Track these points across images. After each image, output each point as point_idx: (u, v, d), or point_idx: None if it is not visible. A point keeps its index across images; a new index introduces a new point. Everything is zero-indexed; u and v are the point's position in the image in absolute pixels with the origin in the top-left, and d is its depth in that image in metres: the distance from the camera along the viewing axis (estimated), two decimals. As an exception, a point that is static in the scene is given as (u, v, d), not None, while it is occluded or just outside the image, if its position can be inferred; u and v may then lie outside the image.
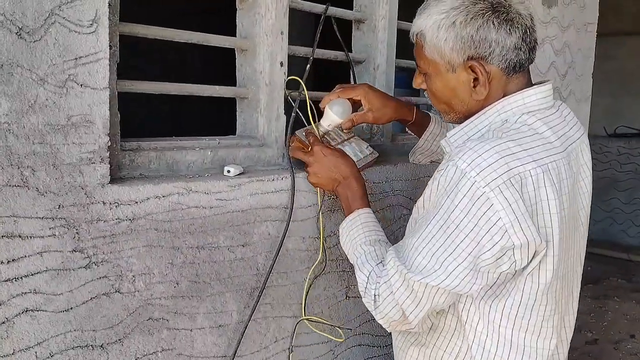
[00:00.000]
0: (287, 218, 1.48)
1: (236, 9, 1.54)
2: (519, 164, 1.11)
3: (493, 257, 1.11)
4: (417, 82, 1.35)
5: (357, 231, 1.41)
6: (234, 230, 1.39)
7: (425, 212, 1.23)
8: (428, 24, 1.21)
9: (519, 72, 1.23)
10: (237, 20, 1.53)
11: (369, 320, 1.81)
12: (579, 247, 1.31)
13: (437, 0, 1.22)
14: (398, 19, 1.89)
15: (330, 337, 1.63)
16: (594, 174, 1.35)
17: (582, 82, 2.99)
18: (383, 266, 1.27)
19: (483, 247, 1.11)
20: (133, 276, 1.22)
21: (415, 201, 1.34)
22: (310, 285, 1.59)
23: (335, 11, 1.72)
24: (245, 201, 1.41)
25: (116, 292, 1.20)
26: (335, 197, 1.59)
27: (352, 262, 1.42)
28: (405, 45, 2.01)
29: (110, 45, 1.13)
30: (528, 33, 1.20)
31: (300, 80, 1.53)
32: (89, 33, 1.09)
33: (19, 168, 1.04)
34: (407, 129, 1.75)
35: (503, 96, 1.23)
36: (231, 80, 1.58)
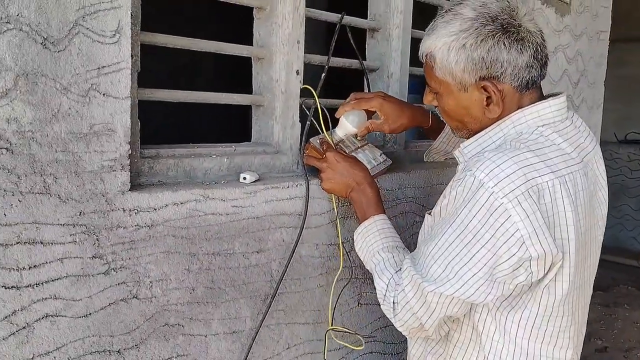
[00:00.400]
0: (301, 225, 1.49)
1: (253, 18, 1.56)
2: (536, 175, 1.12)
3: (510, 267, 1.12)
4: (428, 99, 1.35)
5: (373, 237, 1.43)
6: (249, 237, 1.41)
7: (441, 220, 1.23)
8: (437, 45, 1.21)
9: (531, 89, 1.23)
10: (254, 30, 1.55)
11: (381, 328, 1.82)
12: (595, 257, 1.32)
13: (445, 22, 1.21)
14: (412, 28, 1.90)
15: (350, 346, 1.64)
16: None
17: (594, 90, 2.99)
18: (401, 274, 1.28)
19: (500, 257, 1.12)
20: (150, 282, 1.24)
21: (428, 208, 1.35)
22: (339, 295, 1.61)
23: (350, 20, 1.73)
24: (260, 208, 1.42)
25: (134, 297, 1.22)
26: (349, 203, 1.60)
27: (368, 269, 1.43)
28: (413, 53, 2.03)
29: (131, 55, 1.15)
30: (539, 50, 1.20)
31: (313, 91, 1.54)
32: (112, 43, 1.11)
33: (41, 175, 1.06)
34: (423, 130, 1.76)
35: (517, 109, 1.23)
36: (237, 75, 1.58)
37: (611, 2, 3.01)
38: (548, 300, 1.19)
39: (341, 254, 1.61)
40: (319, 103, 1.55)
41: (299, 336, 1.56)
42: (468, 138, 1.30)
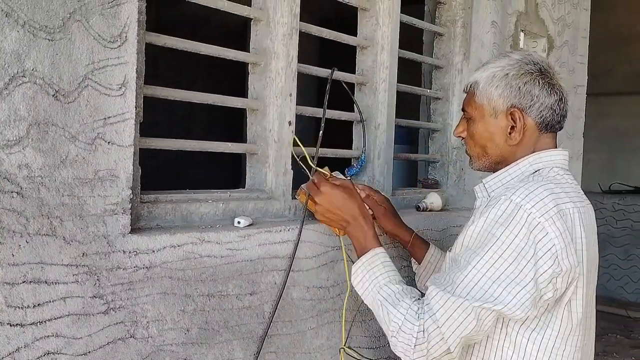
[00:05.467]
0: (287, 267, 1.54)
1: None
2: (560, 202, 1.28)
3: (545, 281, 1.23)
4: (458, 130, 1.52)
5: (378, 270, 1.44)
6: (242, 279, 1.46)
7: (466, 250, 1.30)
8: (484, 75, 1.43)
9: (549, 132, 1.41)
10: (248, 83, 1.65)
11: (381, 347, 1.85)
12: (593, 289, 1.41)
13: (495, 59, 1.46)
14: (397, 82, 2.01)
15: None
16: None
17: (573, 141, 3.11)
18: (423, 303, 1.31)
19: (538, 272, 1.22)
20: (147, 322, 1.29)
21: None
22: (354, 318, 1.66)
23: (339, 75, 1.84)
24: (254, 251, 1.48)
25: (131, 337, 1.26)
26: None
27: (369, 302, 1.44)
28: (404, 106, 2.13)
29: (135, 106, 1.24)
30: (563, 101, 1.41)
31: (298, 140, 1.63)
32: (118, 96, 1.20)
33: (48, 218, 1.12)
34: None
35: (533, 151, 1.40)
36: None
37: (587, 59, 3.16)
38: (569, 319, 1.28)
39: (348, 281, 1.59)
40: (307, 154, 1.63)
41: (290, 378, 1.60)
42: (485, 168, 1.47)
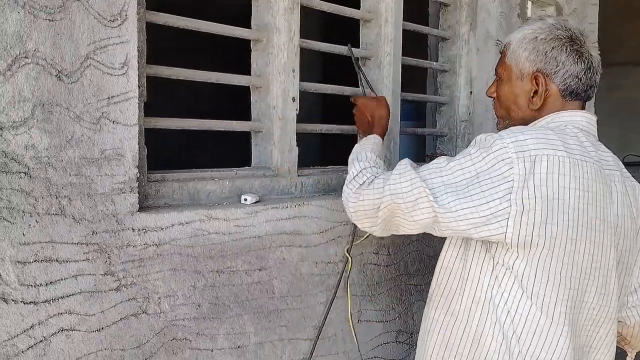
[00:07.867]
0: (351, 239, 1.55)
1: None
2: (551, 148, 1.26)
3: (489, 210, 1.24)
4: (490, 91, 1.54)
5: (368, 145, 1.59)
6: (251, 255, 1.48)
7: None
8: (517, 36, 1.44)
9: (574, 100, 1.40)
10: (251, 60, 1.65)
11: (380, 345, 1.87)
12: (610, 270, 1.34)
13: (530, 22, 1.47)
14: (402, 56, 2.00)
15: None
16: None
17: (584, 112, 3.08)
18: (386, 171, 1.43)
19: (488, 203, 1.24)
20: (159, 298, 1.31)
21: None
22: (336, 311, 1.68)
23: (343, 50, 1.83)
24: (261, 228, 1.50)
25: (143, 313, 1.29)
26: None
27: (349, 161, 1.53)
28: (409, 80, 2.13)
29: (138, 85, 1.25)
30: (591, 70, 1.39)
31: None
32: (120, 75, 1.21)
33: (57, 198, 1.14)
34: None
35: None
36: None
37: (597, 26, 3.12)
38: (544, 267, 1.25)
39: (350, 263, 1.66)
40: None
41: (302, 351, 1.62)
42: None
